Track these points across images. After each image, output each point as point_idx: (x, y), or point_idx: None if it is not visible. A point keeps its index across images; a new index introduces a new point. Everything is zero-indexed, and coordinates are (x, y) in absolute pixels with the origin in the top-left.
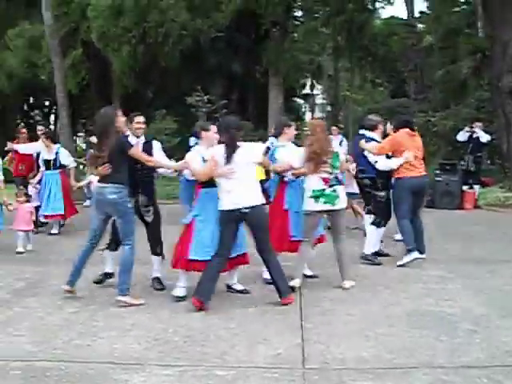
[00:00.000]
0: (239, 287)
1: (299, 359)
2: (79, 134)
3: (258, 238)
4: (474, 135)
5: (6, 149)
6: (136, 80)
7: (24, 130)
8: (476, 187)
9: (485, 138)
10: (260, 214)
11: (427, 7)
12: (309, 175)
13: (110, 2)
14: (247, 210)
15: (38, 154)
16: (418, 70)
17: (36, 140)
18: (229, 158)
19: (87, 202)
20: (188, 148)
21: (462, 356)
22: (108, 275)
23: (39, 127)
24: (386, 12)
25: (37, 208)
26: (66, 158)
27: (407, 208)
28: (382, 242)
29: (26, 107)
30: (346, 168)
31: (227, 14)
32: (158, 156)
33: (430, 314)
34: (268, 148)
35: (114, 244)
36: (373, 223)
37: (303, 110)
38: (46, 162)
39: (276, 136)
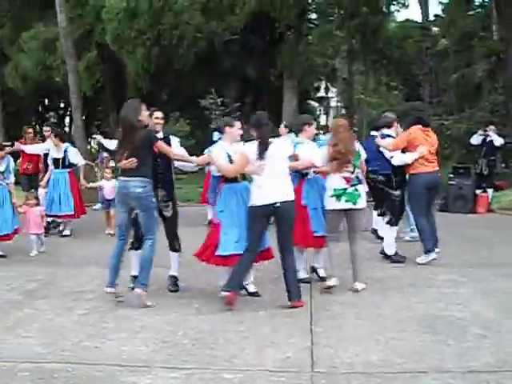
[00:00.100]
0: (252, 289)
1: (308, 363)
2: (94, 136)
3: (282, 234)
4: (488, 138)
5: (10, 150)
6: (150, 82)
7: (30, 130)
8: (489, 191)
9: (498, 141)
10: (290, 210)
11: (442, 10)
12: (330, 174)
13: (124, 4)
14: (279, 205)
15: (46, 155)
16: (432, 73)
17: (43, 141)
18: (262, 154)
19: (97, 206)
20: (211, 142)
21: (470, 361)
22: (136, 278)
23: (45, 128)
24: (400, 15)
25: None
26: (75, 157)
27: (424, 205)
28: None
29: (40, 109)
30: (363, 168)
31: (241, 17)
32: (180, 151)
33: (441, 319)
34: None
35: (137, 242)
36: (387, 222)
37: (318, 112)
38: (55, 161)
39: (296, 133)
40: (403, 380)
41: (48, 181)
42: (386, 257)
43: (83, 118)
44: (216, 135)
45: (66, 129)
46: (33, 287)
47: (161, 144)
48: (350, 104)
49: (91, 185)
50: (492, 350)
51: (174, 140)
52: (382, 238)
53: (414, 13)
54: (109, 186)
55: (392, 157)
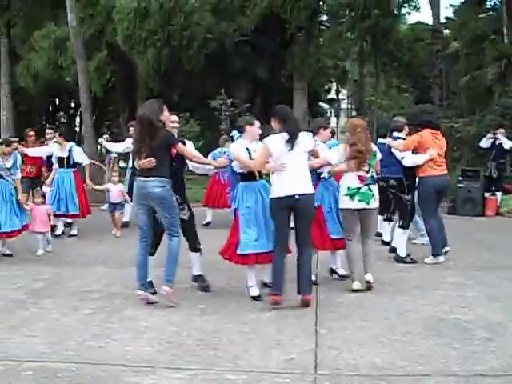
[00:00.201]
0: (254, 292)
1: (311, 365)
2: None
3: (301, 228)
4: (497, 142)
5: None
6: (161, 83)
7: (31, 133)
8: (498, 194)
9: (508, 144)
10: (310, 203)
11: (453, 13)
12: (346, 173)
13: (135, 4)
14: (298, 197)
15: (48, 158)
16: (443, 75)
17: (43, 143)
18: (292, 146)
19: (105, 206)
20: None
21: (475, 364)
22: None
23: (48, 130)
24: (412, 18)
25: None
26: (80, 156)
27: (434, 207)
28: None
29: (51, 109)
30: (378, 168)
31: (252, 18)
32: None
33: (446, 322)
34: None
35: (153, 248)
36: (400, 226)
37: (328, 114)
38: (60, 160)
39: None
40: (406, 383)
41: (53, 180)
42: (399, 260)
43: (93, 118)
44: (235, 134)
45: (77, 129)
46: (39, 286)
47: (181, 146)
48: (361, 106)
49: (97, 187)
50: (497, 354)
51: (189, 143)
52: (387, 243)
53: (425, 15)
54: (115, 190)
55: (403, 158)
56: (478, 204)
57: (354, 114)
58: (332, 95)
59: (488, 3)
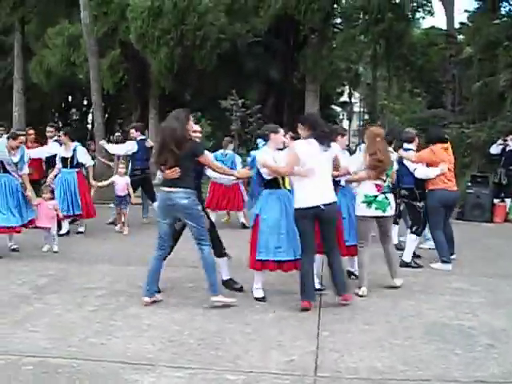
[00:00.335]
0: (258, 294)
1: (312, 367)
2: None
3: (327, 236)
4: (508, 148)
5: None
6: (173, 82)
7: (31, 132)
8: (507, 200)
9: None
10: (334, 212)
11: (467, 18)
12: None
13: (149, 3)
14: (323, 207)
15: (47, 158)
16: (455, 81)
17: (44, 143)
18: (326, 148)
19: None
20: (256, 149)
21: (476, 370)
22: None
23: (49, 129)
24: (426, 22)
25: None
26: (83, 156)
27: (441, 220)
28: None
29: (63, 106)
30: (394, 178)
31: (266, 19)
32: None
33: (450, 327)
34: None
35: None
36: (413, 232)
37: (340, 117)
38: (63, 160)
39: None
40: None
41: (55, 177)
42: (403, 265)
43: (106, 116)
44: (260, 142)
45: (89, 126)
46: (44, 282)
47: (205, 156)
48: (373, 110)
49: (102, 183)
50: (499, 361)
51: (209, 154)
52: None
53: (439, 20)
54: (122, 182)
55: (415, 169)
56: (487, 210)
57: (366, 117)
58: (344, 98)
59: (502, 9)
